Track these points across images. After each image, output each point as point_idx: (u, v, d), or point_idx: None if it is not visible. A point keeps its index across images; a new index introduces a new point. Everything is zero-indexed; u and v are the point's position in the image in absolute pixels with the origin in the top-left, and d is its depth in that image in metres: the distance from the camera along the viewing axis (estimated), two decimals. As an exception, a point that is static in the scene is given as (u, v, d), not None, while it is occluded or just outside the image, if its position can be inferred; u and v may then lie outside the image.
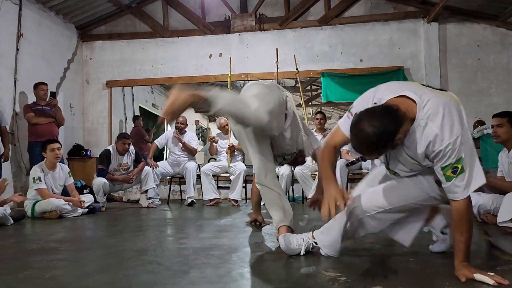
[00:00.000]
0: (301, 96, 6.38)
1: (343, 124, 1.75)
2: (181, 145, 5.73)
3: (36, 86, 5.33)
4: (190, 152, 5.77)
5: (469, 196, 1.54)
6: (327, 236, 2.03)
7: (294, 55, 6.29)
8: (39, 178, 4.26)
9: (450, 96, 1.59)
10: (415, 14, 6.51)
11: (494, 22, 6.33)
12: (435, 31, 6.38)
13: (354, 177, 6.51)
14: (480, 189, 5.26)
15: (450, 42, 6.44)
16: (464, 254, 1.60)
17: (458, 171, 1.49)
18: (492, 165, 4.41)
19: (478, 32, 6.41)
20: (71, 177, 4.66)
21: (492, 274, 1.54)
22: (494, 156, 4.51)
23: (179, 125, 5.78)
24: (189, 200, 5.44)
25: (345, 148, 5.17)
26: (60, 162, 4.58)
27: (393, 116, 1.44)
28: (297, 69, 6.21)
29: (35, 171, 4.30)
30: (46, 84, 5.35)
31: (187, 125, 5.91)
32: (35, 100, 5.34)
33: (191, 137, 5.87)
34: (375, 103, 1.60)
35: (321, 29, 6.73)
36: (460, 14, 6.39)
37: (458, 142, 1.46)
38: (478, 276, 1.54)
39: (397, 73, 6.40)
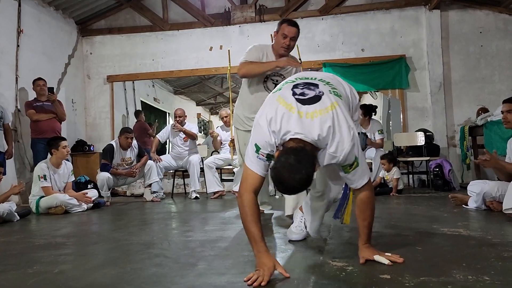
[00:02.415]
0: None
1: (254, 165, 1.70)
2: (182, 136, 5.74)
3: (33, 82, 5.33)
4: (191, 137, 5.77)
5: (370, 186, 1.76)
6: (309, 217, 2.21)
7: (297, 45, 6.23)
8: (44, 176, 4.26)
9: (331, 106, 1.65)
10: (416, 2, 6.44)
11: (497, 8, 6.26)
12: (437, 18, 6.32)
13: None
14: (485, 176, 5.23)
15: (452, 29, 6.39)
16: (366, 237, 1.80)
17: (353, 167, 1.70)
18: (497, 152, 4.39)
19: (481, 19, 6.35)
20: (72, 175, 4.67)
21: (389, 254, 1.74)
22: (498, 143, 4.50)
23: (177, 118, 5.77)
24: (194, 195, 5.45)
25: None
26: (64, 158, 4.60)
27: (307, 160, 1.55)
28: (300, 59, 6.13)
29: (40, 169, 4.30)
30: (42, 80, 5.33)
31: (186, 116, 5.89)
32: (36, 97, 5.35)
33: (190, 127, 5.88)
34: (281, 138, 1.64)
35: (322, 19, 6.68)
36: (462, 1, 6.33)
37: (349, 151, 1.63)
38: (377, 257, 1.72)
39: (399, 62, 6.37)
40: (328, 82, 1.80)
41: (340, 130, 1.63)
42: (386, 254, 1.74)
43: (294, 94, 1.70)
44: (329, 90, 1.73)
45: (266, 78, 3.12)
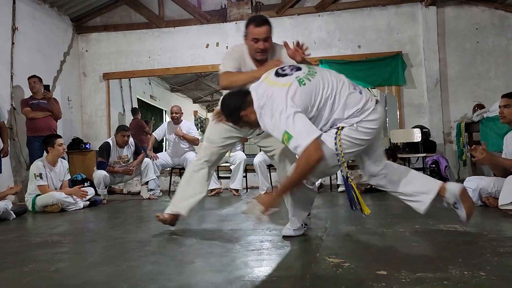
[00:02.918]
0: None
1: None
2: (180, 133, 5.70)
3: (27, 80, 5.30)
4: (193, 143, 5.71)
5: (308, 152, 1.86)
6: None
7: (293, 42, 6.23)
8: (40, 175, 4.23)
9: (284, 84, 1.97)
10: (412, -2, 6.45)
11: (493, 4, 6.27)
12: (433, 14, 6.33)
13: (354, 164, 6.52)
14: (480, 172, 5.23)
15: (448, 25, 6.39)
16: (280, 188, 2.00)
17: (287, 138, 1.90)
18: (492, 149, 4.41)
19: (477, 15, 6.36)
20: (68, 173, 4.66)
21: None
22: (494, 139, 4.51)
23: (173, 115, 5.73)
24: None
25: None
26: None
27: (238, 98, 2.08)
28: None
29: (37, 167, 4.27)
30: (34, 77, 5.29)
31: (182, 114, 5.85)
32: (31, 95, 5.32)
33: (188, 127, 5.79)
34: None
35: (318, 15, 6.68)
36: (458, -3, 6.34)
37: (277, 124, 1.91)
38: (249, 205, 2.01)
39: (395, 59, 6.37)
40: (312, 73, 2.03)
41: (274, 104, 1.93)
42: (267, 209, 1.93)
43: (279, 69, 2.09)
44: (298, 76, 2.00)
45: None
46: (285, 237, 2.26)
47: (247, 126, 2.18)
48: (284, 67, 2.09)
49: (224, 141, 2.62)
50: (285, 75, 2.02)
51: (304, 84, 1.97)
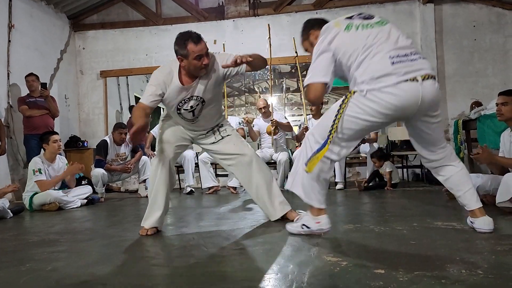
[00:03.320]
0: (299, 81, 6.33)
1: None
2: None
3: (25, 78, 5.28)
4: None
5: (307, 88, 2.10)
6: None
7: (294, 38, 6.14)
8: (39, 170, 4.23)
9: (337, 25, 2.12)
10: (410, -5, 6.45)
11: (490, 1, 6.28)
12: (431, 12, 6.33)
13: (352, 161, 6.53)
14: (478, 170, 5.23)
15: (446, 23, 6.40)
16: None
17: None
18: (489, 146, 4.41)
19: (474, 12, 6.36)
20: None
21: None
22: (491, 137, 4.52)
23: None
24: (188, 189, 5.44)
25: None
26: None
27: (317, 21, 2.37)
28: (296, 52, 5.92)
29: (35, 163, 4.27)
30: (31, 75, 5.26)
31: None
32: (29, 93, 5.30)
33: None
34: None
35: (316, 13, 6.66)
36: (456, -6, 6.34)
37: (313, 54, 2.13)
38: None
39: (393, 56, 6.36)
40: (369, 26, 2.07)
41: (324, 38, 2.10)
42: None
43: (356, 14, 2.20)
44: (351, 22, 2.10)
45: (178, 110, 2.61)
46: (290, 234, 2.28)
47: (308, 47, 2.36)
48: (362, 13, 2.21)
49: (180, 141, 2.75)
50: (350, 18, 2.15)
51: (349, 30, 2.07)
